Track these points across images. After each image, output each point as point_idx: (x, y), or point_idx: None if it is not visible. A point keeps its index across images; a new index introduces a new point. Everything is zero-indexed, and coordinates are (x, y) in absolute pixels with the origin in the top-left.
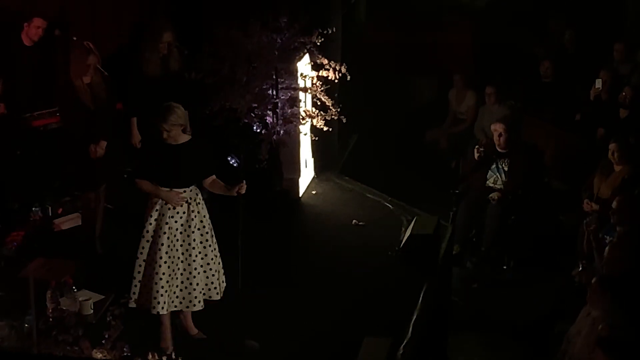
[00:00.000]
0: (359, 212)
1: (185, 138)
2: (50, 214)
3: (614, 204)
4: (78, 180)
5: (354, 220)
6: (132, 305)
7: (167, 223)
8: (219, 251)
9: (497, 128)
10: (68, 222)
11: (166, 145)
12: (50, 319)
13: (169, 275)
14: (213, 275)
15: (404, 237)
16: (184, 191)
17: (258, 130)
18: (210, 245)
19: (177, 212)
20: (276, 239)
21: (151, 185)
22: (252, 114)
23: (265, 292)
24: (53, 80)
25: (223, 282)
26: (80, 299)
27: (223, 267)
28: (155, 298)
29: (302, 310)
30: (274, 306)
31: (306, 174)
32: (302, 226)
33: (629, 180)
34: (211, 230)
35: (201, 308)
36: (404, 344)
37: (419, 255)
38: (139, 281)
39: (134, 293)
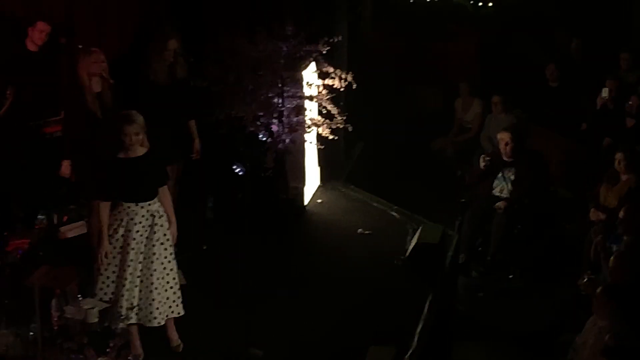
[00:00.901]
0: (365, 220)
1: (143, 150)
2: (55, 222)
3: (621, 214)
4: (83, 188)
5: (360, 229)
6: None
7: (134, 238)
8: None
9: (503, 137)
10: (74, 230)
11: (127, 159)
12: (55, 327)
13: (132, 288)
14: (173, 291)
15: (409, 246)
16: (149, 204)
17: (264, 139)
18: (170, 262)
19: (143, 226)
20: (281, 248)
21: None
22: (257, 122)
23: (271, 300)
24: (59, 88)
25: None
26: (85, 307)
27: (230, 273)
28: (120, 311)
29: (307, 319)
30: (279, 314)
31: (312, 183)
32: (308, 235)
33: (636, 189)
34: (171, 246)
35: (160, 324)
36: (409, 353)
37: (425, 264)
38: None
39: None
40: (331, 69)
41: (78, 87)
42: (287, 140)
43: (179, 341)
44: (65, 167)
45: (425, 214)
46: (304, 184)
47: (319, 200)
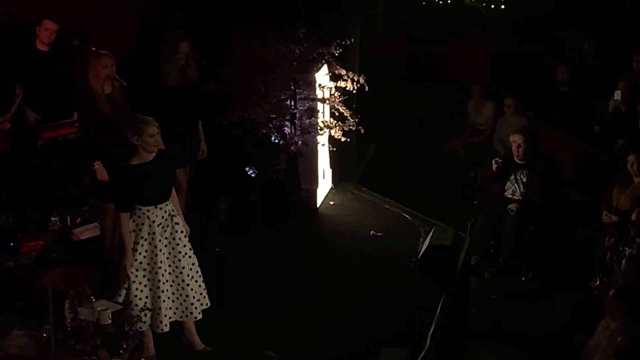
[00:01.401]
0: (377, 222)
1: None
2: (69, 224)
3: (633, 216)
4: (97, 190)
5: (372, 231)
6: (145, 328)
7: (160, 240)
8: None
9: (516, 139)
10: (87, 232)
11: (143, 165)
12: (69, 329)
13: (167, 289)
14: (200, 283)
15: (421, 248)
16: (166, 204)
17: (276, 141)
18: (191, 256)
19: (164, 227)
20: (294, 250)
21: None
22: (270, 125)
23: (283, 302)
24: (72, 90)
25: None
26: (98, 308)
27: (242, 275)
28: (160, 313)
29: (320, 321)
30: (291, 316)
31: (324, 185)
32: (320, 237)
33: None
34: (188, 241)
35: (199, 318)
36: (421, 355)
37: (437, 266)
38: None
39: (145, 314)
40: (343, 71)
41: (89, 89)
42: (300, 143)
43: (203, 344)
44: (100, 170)
45: (438, 216)
46: (316, 186)
47: (331, 203)
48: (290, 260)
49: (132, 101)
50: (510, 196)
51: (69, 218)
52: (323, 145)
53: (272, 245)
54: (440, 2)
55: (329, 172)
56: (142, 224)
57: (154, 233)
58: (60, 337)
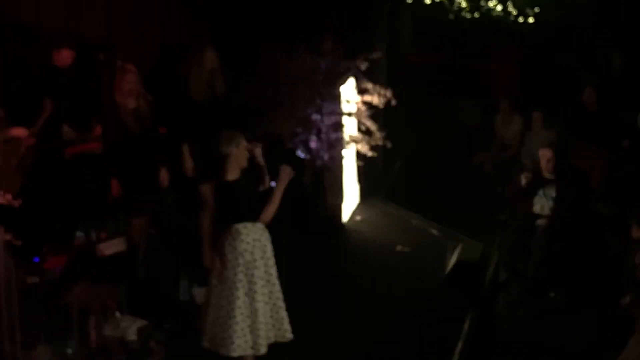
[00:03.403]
0: (404, 238)
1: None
2: (94, 239)
3: None
4: (123, 205)
5: (399, 246)
6: (248, 351)
7: (261, 257)
8: None
9: (545, 153)
10: (112, 247)
11: (237, 180)
12: (93, 345)
13: (266, 311)
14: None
15: (449, 263)
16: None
17: (302, 155)
18: (275, 279)
19: (263, 245)
20: (321, 265)
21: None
22: (296, 139)
23: (309, 317)
24: (98, 105)
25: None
26: (123, 324)
27: None
28: (259, 335)
29: (347, 336)
30: (318, 331)
31: (350, 200)
32: (347, 252)
33: None
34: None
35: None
36: None
37: (465, 282)
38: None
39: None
40: (370, 85)
41: (114, 103)
42: (326, 157)
43: None
44: (115, 186)
45: (465, 231)
46: (342, 201)
47: (358, 217)
48: (317, 275)
49: (158, 115)
50: (539, 211)
51: (94, 233)
52: (350, 159)
53: (299, 260)
54: (468, 14)
55: (355, 187)
56: (242, 240)
57: (251, 252)
58: (85, 353)
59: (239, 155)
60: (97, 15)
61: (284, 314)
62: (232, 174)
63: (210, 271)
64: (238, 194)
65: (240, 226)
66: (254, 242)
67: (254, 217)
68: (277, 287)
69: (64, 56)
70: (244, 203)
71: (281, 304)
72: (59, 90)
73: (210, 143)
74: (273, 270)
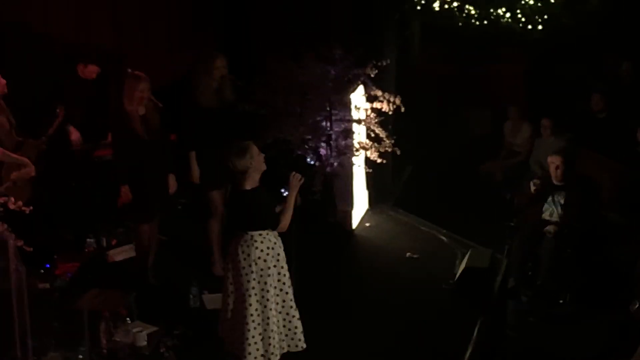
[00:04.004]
0: (413, 244)
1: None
2: (104, 245)
3: None
4: (133, 212)
5: (408, 253)
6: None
7: (274, 266)
8: None
9: (554, 160)
10: (122, 253)
11: (256, 188)
12: (104, 351)
13: (280, 319)
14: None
15: (458, 270)
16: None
17: (312, 162)
18: (288, 287)
19: (272, 256)
20: (329, 271)
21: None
22: (305, 146)
23: (318, 323)
24: (107, 111)
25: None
26: (133, 330)
27: None
28: (272, 344)
29: (355, 343)
30: (327, 338)
31: (360, 206)
32: (356, 258)
33: None
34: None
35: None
36: None
37: (474, 289)
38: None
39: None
40: (379, 93)
41: (123, 111)
42: (335, 164)
43: None
44: (125, 193)
45: (474, 237)
46: (352, 208)
47: (367, 224)
48: (325, 281)
49: (168, 122)
50: (548, 218)
51: (104, 239)
52: (359, 166)
53: (308, 267)
54: (477, 23)
55: (365, 194)
56: (256, 248)
57: (264, 260)
58: (95, 359)
59: (256, 165)
60: (106, 25)
61: (297, 323)
62: (251, 183)
63: (225, 278)
64: (259, 202)
65: (256, 234)
66: (267, 250)
67: (273, 226)
68: (290, 296)
69: (90, 70)
70: (265, 212)
71: (294, 312)
72: (77, 100)
73: (220, 151)
74: (286, 279)
